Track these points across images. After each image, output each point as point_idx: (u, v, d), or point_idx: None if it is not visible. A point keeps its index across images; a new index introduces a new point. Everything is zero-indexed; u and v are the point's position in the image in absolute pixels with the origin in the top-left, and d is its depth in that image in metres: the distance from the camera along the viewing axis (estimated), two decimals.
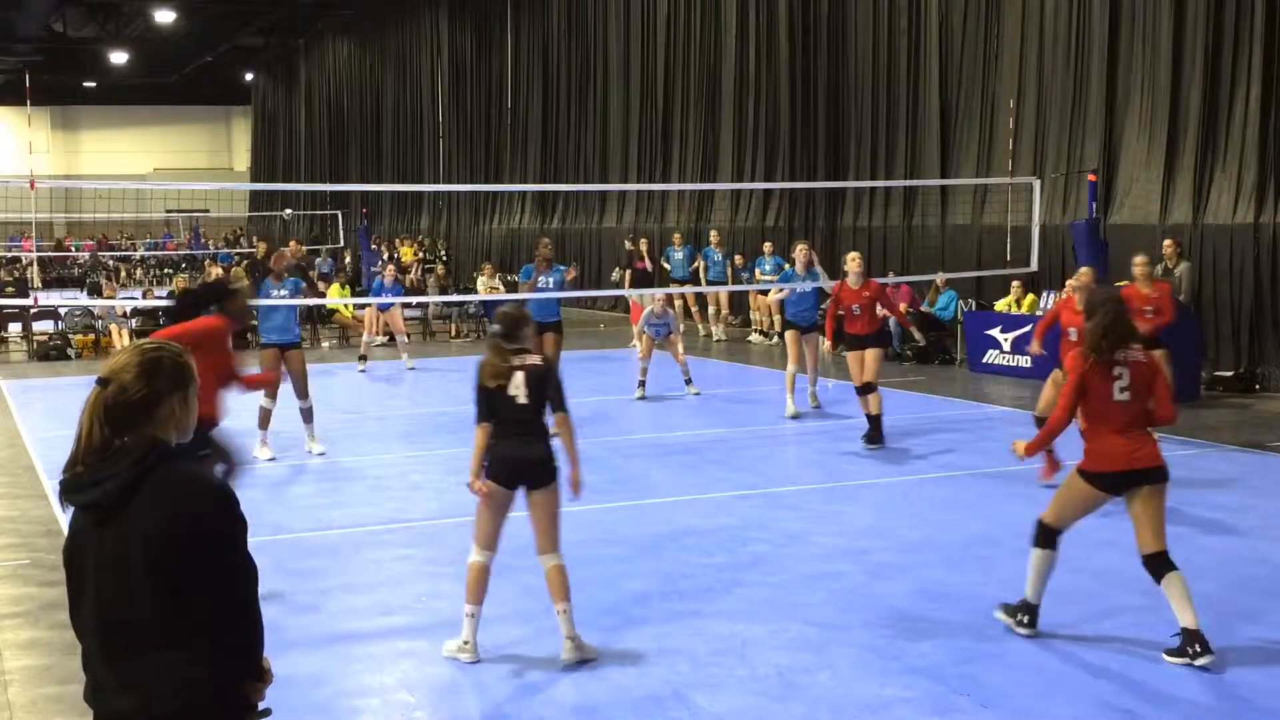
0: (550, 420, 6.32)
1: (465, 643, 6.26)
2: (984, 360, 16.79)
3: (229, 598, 2.85)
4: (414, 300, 22.84)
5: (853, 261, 12.32)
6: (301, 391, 11.69)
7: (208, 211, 51.15)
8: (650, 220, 26.55)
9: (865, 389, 11.73)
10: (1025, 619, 6.46)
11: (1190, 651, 5.98)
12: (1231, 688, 5.77)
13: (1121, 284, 15.00)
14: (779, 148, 22.94)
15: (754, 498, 9.51)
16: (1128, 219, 16.38)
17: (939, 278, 18.26)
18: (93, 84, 57.43)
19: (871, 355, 11.81)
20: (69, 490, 2.89)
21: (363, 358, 18.54)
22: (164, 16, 40.50)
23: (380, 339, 20.37)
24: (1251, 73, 14.99)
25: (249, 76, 56.92)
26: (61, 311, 21.60)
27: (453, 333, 22.86)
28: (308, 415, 11.77)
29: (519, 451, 6.18)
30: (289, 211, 33.25)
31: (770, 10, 23.05)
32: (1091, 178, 15.73)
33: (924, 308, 18.40)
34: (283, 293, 12.06)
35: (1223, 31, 15.37)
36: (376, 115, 42.59)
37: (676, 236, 22.97)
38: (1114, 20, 16.83)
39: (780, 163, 22.90)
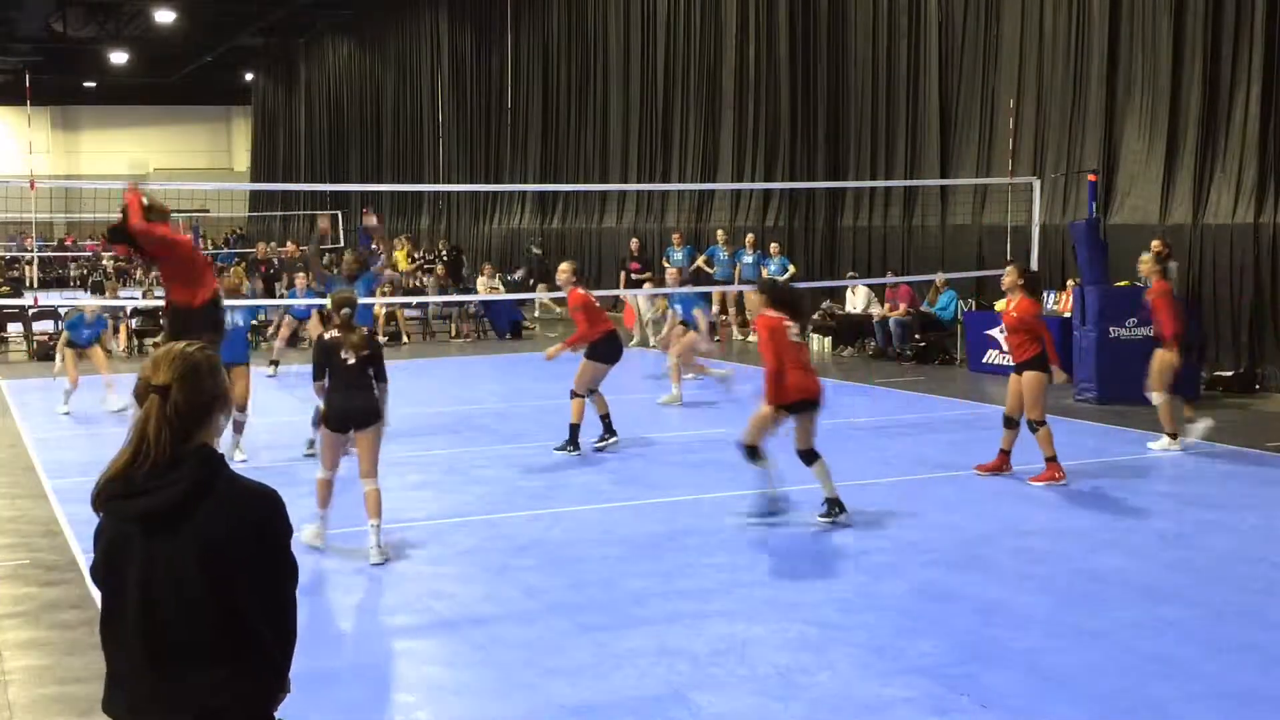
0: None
1: (318, 533, 8.17)
2: (984, 360, 16.80)
3: (281, 603, 2.88)
4: (414, 300, 22.87)
5: (560, 271, 11.97)
6: (241, 406, 11.25)
7: (208, 211, 51.13)
8: (650, 220, 26.56)
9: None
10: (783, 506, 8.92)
11: (833, 512, 8.70)
12: (1234, 690, 5.77)
13: (1122, 283, 15.03)
14: (779, 148, 22.94)
15: (754, 498, 9.49)
16: (1128, 219, 16.38)
17: (938, 278, 18.27)
18: (93, 84, 57.42)
19: (581, 365, 11.51)
20: (121, 497, 2.84)
21: (274, 363, 17.56)
22: (164, 16, 40.48)
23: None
24: (1251, 73, 14.98)
25: (249, 76, 56.89)
26: (61, 311, 21.58)
27: (452, 333, 22.87)
28: (239, 426, 11.28)
29: (347, 403, 8.05)
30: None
31: (770, 10, 23.05)
32: (1091, 178, 15.72)
33: (924, 307, 18.41)
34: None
35: (1223, 31, 15.37)
36: (376, 115, 42.56)
37: (676, 236, 23.00)
38: (1114, 20, 16.82)
39: (780, 163, 22.90)
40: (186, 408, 2.85)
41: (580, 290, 11.61)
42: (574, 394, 11.37)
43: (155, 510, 2.79)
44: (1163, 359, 11.35)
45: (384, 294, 21.82)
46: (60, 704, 5.76)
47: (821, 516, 8.75)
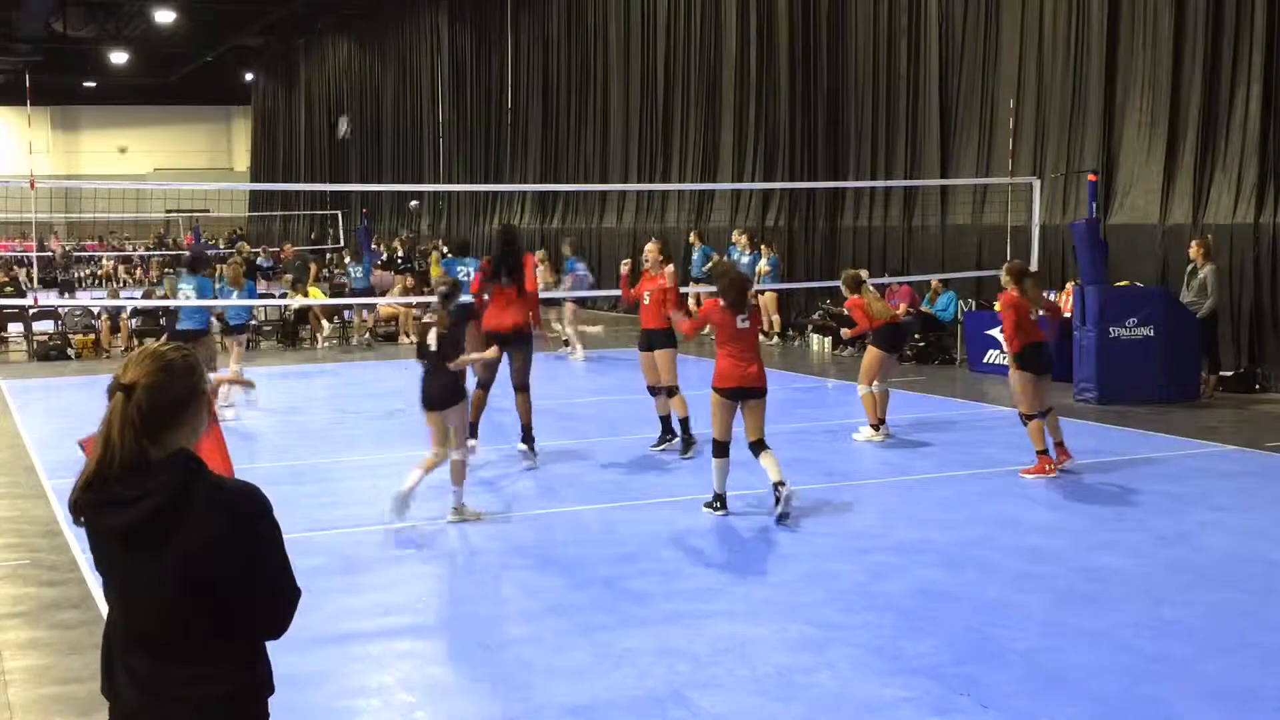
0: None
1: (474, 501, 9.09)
2: (984, 360, 16.79)
3: (282, 595, 2.85)
4: (414, 300, 22.82)
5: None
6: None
7: (208, 211, 51.15)
8: (650, 220, 26.56)
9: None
10: (719, 504, 9.04)
11: (778, 496, 8.74)
12: (1234, 690, 5.77)
13: (1122, 283, 15.03)
14: (779, 148, 22.94)
15: (754, 498, 9.50)
16: (1128, 219, 16.38)
17: (934, 279, 18.29)
18: (93, 84, 57.46)
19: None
20: (103, 506, 2.77)
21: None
22: (164, 16, 40.52)
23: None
24: (1251, 73, 14.98)
25: (249, 76, 56.94)
26: (61, 311, 21.59)
27: None
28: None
29: (427, 386, 9.00)
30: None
31: (770, 10, 23.05)
32: (1091, 178, 15.71)
33: (924, 307, 18.40)
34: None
35: (1223, 31, 15.37)
36: (376, 115, 42.58)
37: (694, 235, 22.99)
38: (1114, 20, 16.82)
39: (780, 163, 22.90)
40: (149, 406, 2.77)
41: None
42: (670, 390, 11.25)
43: (134, 525, 2.73)
44: (872, 354, 12.03)
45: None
46: (60, 704, 5.76)
47: (777, 507, 8.86)
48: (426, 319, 9.13)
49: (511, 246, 11.14)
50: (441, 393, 8.93)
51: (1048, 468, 10.10)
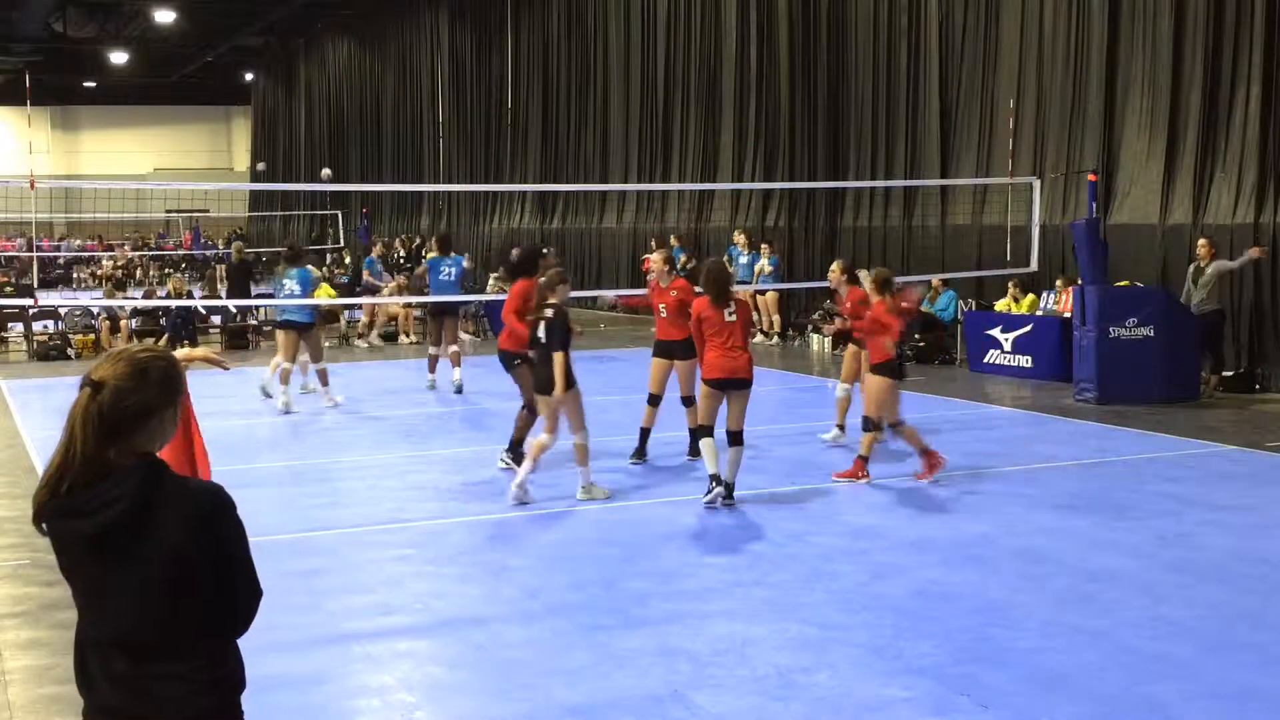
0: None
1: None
2: (984, 360, 16.79)
3: (245, 593, 2.85)
4: (415, 300, 22.85)
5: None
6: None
7: (208, 211, 51.15)
8: (650, 220, 26.56)
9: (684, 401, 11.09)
10: (715, 483, 9.13)
11: (711, 488, 9.14)
12: (1233, 689, 5.77)
13: (1122, 283, 15.03)
14: (779, 148, 22.94)
15: (754, 498, 9.50)
16: (1128, 219, 16.39)
17: (934, 279, 18.29)
18: (93, 84, 57.47)
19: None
20: (66, 515, 2.75)
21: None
22: (164, 16, 40.51)
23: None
24: (1251, 73, 14.98)
25: (249, 76, 56.93)
26: (61, 311, 21.60)
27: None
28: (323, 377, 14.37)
29: (539, 372, 9.41)
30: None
31: (770, 10, 23.05)
32: (1091, 178, 15.72)
33: (924, 307, 18.40)
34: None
35: (1223, 31, 15.37)
36: (376, 115, 42.56)
37: (675, 238, 23.01)
38: (1114, 20, 16.83)
39: (780, 163, 22.90)
40: (112, 407, 2.74)
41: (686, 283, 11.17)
42: (685, 400, 11.00)
43: (99, 532, 2.71)
44: (884, 386, 11.08)
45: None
46: (60, 704, 5.75)
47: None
48: (542, 310, 9.52)
49: (532, 262, 11.03)
50: (543, 380, 9.35)
51: (860, 474, 10.04)
